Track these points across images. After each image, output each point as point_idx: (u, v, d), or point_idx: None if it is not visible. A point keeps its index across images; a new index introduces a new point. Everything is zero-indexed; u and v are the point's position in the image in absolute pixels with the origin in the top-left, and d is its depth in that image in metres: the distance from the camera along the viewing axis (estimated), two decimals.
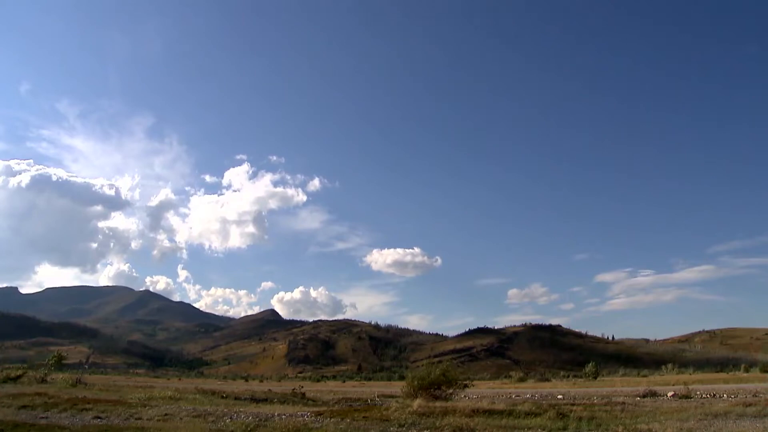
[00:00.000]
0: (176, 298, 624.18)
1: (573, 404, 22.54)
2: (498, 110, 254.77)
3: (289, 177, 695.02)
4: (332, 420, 16.42)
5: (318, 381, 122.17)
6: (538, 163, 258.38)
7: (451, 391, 25.52)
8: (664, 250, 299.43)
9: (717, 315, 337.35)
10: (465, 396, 27.33)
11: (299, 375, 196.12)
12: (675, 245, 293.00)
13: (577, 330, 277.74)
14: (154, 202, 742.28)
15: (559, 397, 30.44)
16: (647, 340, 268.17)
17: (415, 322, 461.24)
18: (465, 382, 27.86)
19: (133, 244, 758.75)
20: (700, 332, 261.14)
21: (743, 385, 36.83)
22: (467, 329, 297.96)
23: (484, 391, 42.06)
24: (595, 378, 74.27)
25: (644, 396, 28.09)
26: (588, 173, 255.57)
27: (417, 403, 19.51)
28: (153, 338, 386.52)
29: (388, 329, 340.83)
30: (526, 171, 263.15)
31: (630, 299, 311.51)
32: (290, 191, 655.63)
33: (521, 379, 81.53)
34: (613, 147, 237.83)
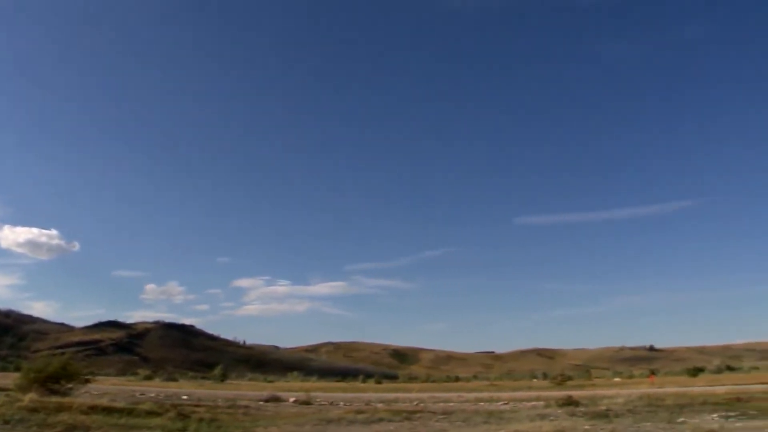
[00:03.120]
0: None
1: (197, 405, 22.79)
2: (162, 107, 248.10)
3: None
4: None
5: None
6: (199, 161, 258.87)
7: (71, 386, 23.60)
8: (305, 262, 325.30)
9: (343, 328, 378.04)
10: (86, 392, 25.57)
11: None
12: (315, 259, 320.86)
13: (210, 332, 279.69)
14: None
15: (184, 397, 30.60)
16: (277, 347, 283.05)
17: (40, 308, 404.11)
18: (87, 377, 26.08)
19: None
20: (326, 343, 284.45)
21: (359, 394, 40.70)
22: (97, 321, 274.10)
23: (108, 387, 39.67)
24: (223, 380, 76.24)
25: (268, 401, 28.76)
26: (243, 175, 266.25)
27: (29, 397, 17.61)
28: None
29: (9, 314, 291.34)
30: (186, 167, 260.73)
31: (265, 306, 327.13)
32: None
33: (148, 377, 79.10)
34: (274, 154, 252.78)
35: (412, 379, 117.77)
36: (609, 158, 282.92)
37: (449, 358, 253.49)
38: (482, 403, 27.00)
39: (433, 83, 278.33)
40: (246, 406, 24.20)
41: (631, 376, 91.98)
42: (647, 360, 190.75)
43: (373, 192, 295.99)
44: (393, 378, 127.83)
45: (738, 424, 15.98)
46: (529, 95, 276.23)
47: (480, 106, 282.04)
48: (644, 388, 41.09)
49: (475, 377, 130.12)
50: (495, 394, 37.46)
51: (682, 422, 16.58)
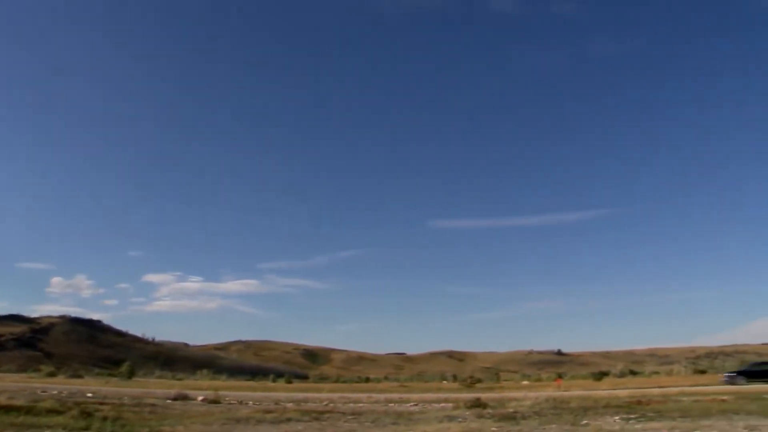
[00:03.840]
0: None
1: (101, 403, 21.80)
2: (71, 99, 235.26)
3: None
4: None
5: None
6: (111, 153, 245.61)
7: None
8: (218, 259, 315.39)
9: (254, 327, 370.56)
10: None
11: None
12: (228, 256, 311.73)
13: (119, 327, 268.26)
14: None
15: (89, 395, 29.37)
16: (187, 345, 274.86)
17: None
18: None
19: None
20: (237, 341, 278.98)
21: (269, 394, 39.72)
22: None
23: (8, 384, 37.48)
24: (131, 378, 73.50)
25: (175, 399, 27.98)
26: (157, 169, 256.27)
27: None
28: None
29: None
30: (97, 159, 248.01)
31: (176, 302, 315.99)
32: None
33: (51, 374, 75.11)
34: (186, 146, 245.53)
35: (322, 379, 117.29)
36: (522, 165, 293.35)
37: (360, 358, 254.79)
38: (392, 404, 27.36)
39: (347, 83, 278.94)
40: (153, 405, 23.31)
41: (539, 380, 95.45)
42: (555, 364, 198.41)
43: (288, 190, 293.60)
44: (304, 378, 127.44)
45: (637, 426, 16.57)
46: (445, 99, 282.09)
47: (396, 107, 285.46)
48: (551, 391, 42.70)
49: (386, 378, 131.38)
50: (405, 396, 38.02)
51: (586, 424, 17.05)
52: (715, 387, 37.74)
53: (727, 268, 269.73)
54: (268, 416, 19.44)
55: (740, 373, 40.95)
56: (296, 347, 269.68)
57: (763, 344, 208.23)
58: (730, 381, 39.13)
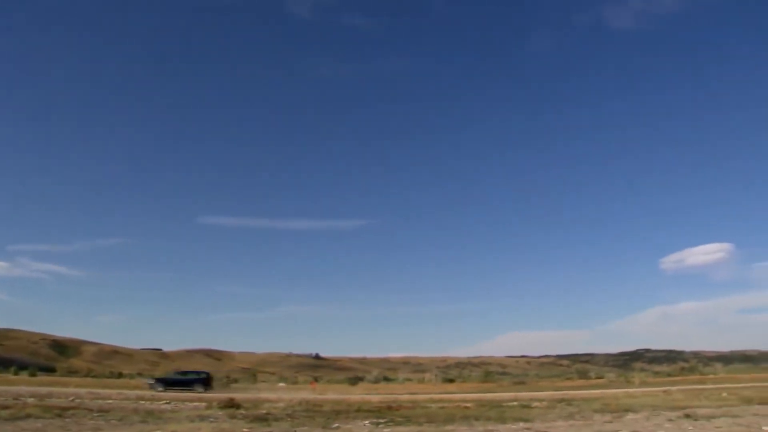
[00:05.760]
0: None
1: None
2: None
3: None
4: None
5: None
6: None
7: None
8: None
9: None
10: None
11: None
12: None
13: None
14: None
15: None
16: None
17: None
18: None
19: None
20: None
21: (9, 387, 36.92)
22: None
23: None
24: None
25: None
26: None
27: None
28: None
29: None
30: None
31: None
32: None
33: None
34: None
35: (71, 373, 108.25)
36: (297, 169, 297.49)
37: (114, 352, 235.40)
38: (143, 402, 26.57)
39: (134, 74, 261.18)
40: None
41: (295, 382, 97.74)
42: (313, 367, 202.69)
43: (46, 173, 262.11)
44: (50, 371, 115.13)
45: (386, 430, 17.71)
46: (233, 97, 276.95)
47: (181, 102, 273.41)
48: (306, 394, 44.56)
49: (140, 375, 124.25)
50: (157, 393, 37.17)
51: (337, 427, 17.91)
52: (462, 395, 42.22)
53: (482, 285, 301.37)
54: (4, 412, 18.23)
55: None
56: (44, 337, 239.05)
57: (507, 356, 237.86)
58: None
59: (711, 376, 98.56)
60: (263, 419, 19.61)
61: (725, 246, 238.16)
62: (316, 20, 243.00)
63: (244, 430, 16.70)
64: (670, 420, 20.12)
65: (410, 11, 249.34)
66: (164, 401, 27.69)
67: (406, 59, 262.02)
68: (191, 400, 28.51)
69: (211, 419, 19.16)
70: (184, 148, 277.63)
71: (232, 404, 24.21)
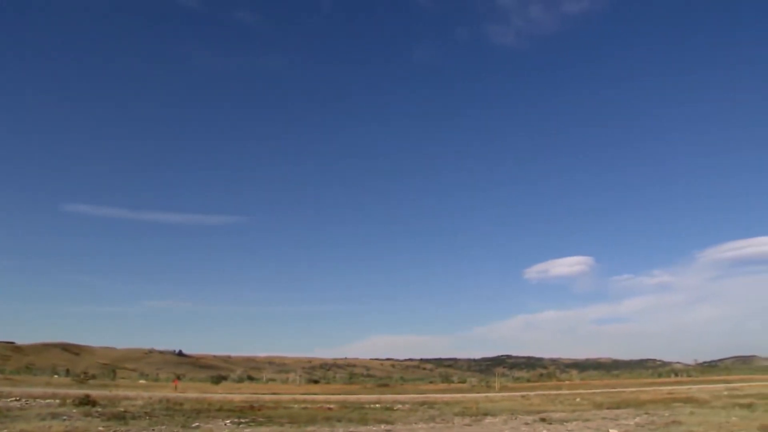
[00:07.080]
0: None
1: None
2: None
3: None
4: None
5: None
6: None
7: None
8: None
9: None
10: None
11: None
12: None
13: None
14: None
15: None
16: None
17: None
18: None
19: None
20: None
21: None
22: None
23: None
24: None
25: None
26: None
27: None
28: None
29: None
30: None
31: None
32: None
33: None
34: None
35: None
36: (177, 163, 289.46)
37: None
38: None
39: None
40: None
41: (156, 380, 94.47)
42: (175, 365, 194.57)
43: None
44: None
45: (247, 430, 17.74)
46: (113, 90, 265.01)
47: (56, 95, 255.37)
48: (167, 392, 43.41)
49: None
50: (8, 389, 34.91)
51: (197, 427, 17.75)
52: (326, 396, 42.88)
53: (350, 287, 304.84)
54: None
55: None
56: None
57: (372, 359, 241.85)
58: None
59: (567, 381, 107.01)
60: (120, 417, 19.13)
61: (586, 259, 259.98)
62: (206, 13, 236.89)
63: (100, 428, 16.24)
64: (527, 423, 21.98)
65: (299, 11, 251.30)
66: (14, 398, 26.23)
67: (291, 57, 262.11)
68: (44, 397, 27.17)
69: (64, 417, 18.37)
70: (50, 138, 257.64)
71: (87, 401, 23.47)
